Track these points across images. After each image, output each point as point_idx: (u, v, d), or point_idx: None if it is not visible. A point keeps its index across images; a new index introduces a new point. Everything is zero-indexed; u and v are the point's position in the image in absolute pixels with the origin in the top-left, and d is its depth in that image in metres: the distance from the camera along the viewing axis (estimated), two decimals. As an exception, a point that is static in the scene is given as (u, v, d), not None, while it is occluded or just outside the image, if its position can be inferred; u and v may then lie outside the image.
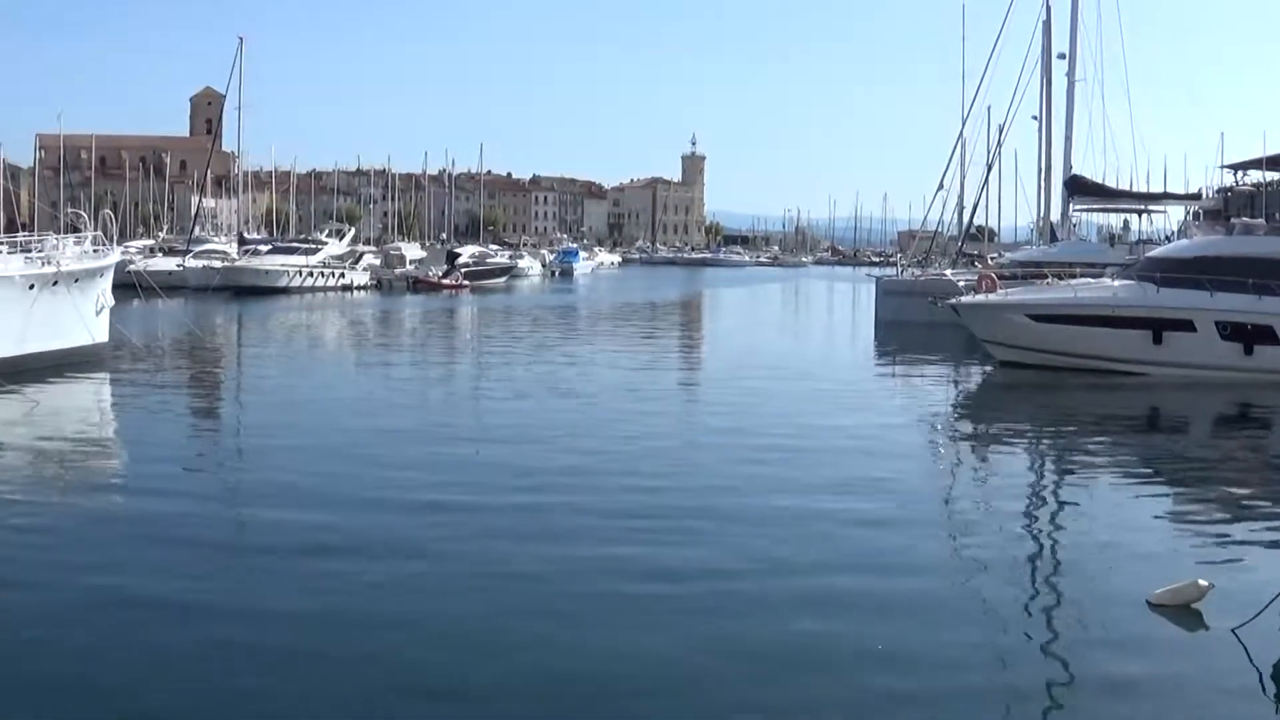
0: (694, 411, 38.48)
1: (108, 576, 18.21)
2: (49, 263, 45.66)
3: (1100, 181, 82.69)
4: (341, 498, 23.82)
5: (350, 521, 21.64)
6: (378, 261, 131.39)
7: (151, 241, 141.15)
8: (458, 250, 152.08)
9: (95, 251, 50.43)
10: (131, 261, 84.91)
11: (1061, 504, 25.56)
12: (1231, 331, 44.53)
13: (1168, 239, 78.56)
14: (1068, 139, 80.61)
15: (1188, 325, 44.91)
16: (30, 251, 47.24)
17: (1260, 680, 14.42)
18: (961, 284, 58.27)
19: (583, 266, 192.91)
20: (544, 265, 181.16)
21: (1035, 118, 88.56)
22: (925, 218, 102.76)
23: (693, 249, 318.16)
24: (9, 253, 46.36)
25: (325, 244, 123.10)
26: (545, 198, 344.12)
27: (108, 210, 69.32)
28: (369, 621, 16.21)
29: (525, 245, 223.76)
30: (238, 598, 17.19)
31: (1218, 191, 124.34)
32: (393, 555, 19.40)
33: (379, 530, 21.04)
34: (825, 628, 16.06)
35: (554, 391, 40.77)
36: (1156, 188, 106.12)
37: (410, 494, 24.03)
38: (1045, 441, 33.21)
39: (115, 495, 24.86)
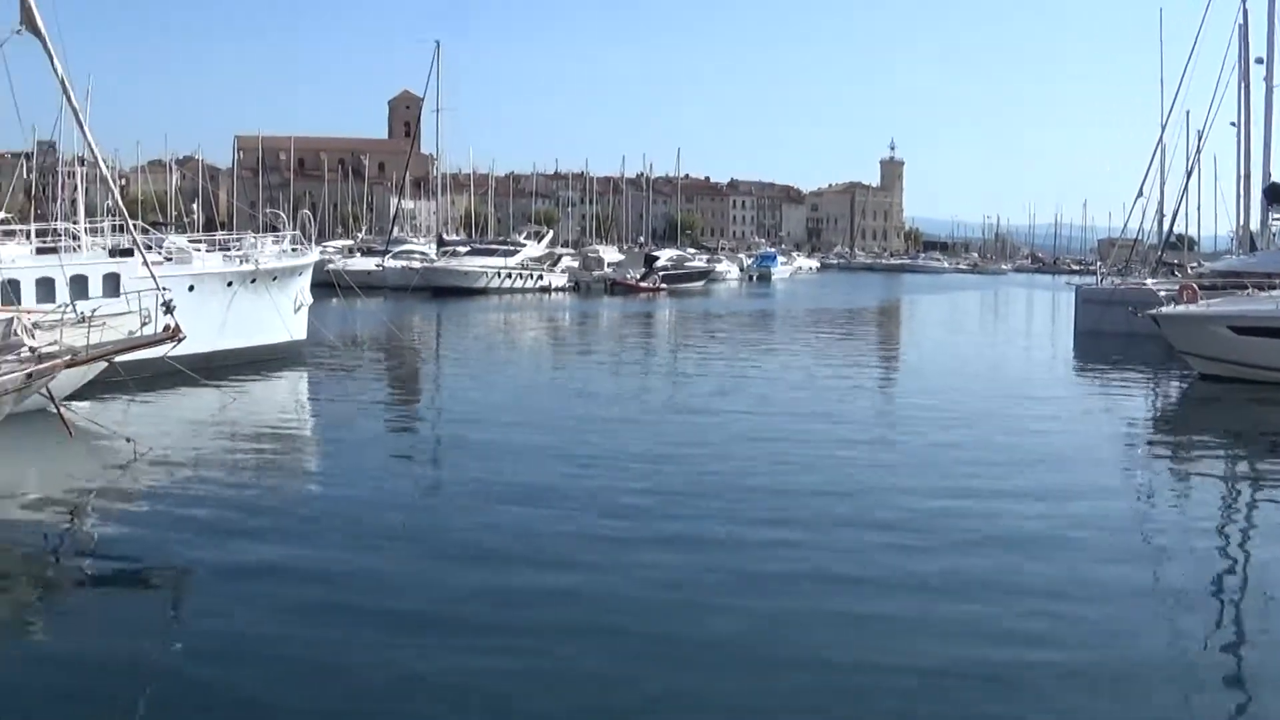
0: (890, 420, 37.84)
1: (301, 566, 18.70)
2: (247, 261, 46.53)
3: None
4: (532, 496, 23.97)
5: (536, 520, 21.81)
6: (575, 264, 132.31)
7: (350, 242, 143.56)
8: (656, 253, 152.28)
9: (294, 251, 51.34)
10: (330, 261, 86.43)
11: (1255, 524, 24.69)
12: None
13: (1370, 249, 76.01)
14: (1266, 145, 78.13)
15: None
16: (229, 250, 48.19)
17: None
18: (1162, 294, 56.85)
19: (780, 271, 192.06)
20: (741, 269, 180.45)
21: (1234, 124, 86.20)
22: (1125, 225, 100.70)
23: (891, 255, 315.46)
24: (208, 251, 47.32)
25: (524, 246, 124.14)
26: (743, 202, 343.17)
27: (306, 210, 70.56)
28: (557, 617, 16.32)
29: (723, 249, 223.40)
30: (427, 588, 17.53)
31: None
32: (579, 554, 19.54)
33: (568, 529, 21.21)
34: (1009, 636, 15.77)
35: (752, 397, 40.49)
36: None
37: (604, 494, 24.15)
38: (1242, 459, 32.16)
39: (309, 488, 25.29)
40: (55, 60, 29.40)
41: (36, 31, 28.67)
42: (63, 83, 30.04)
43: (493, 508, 22.81)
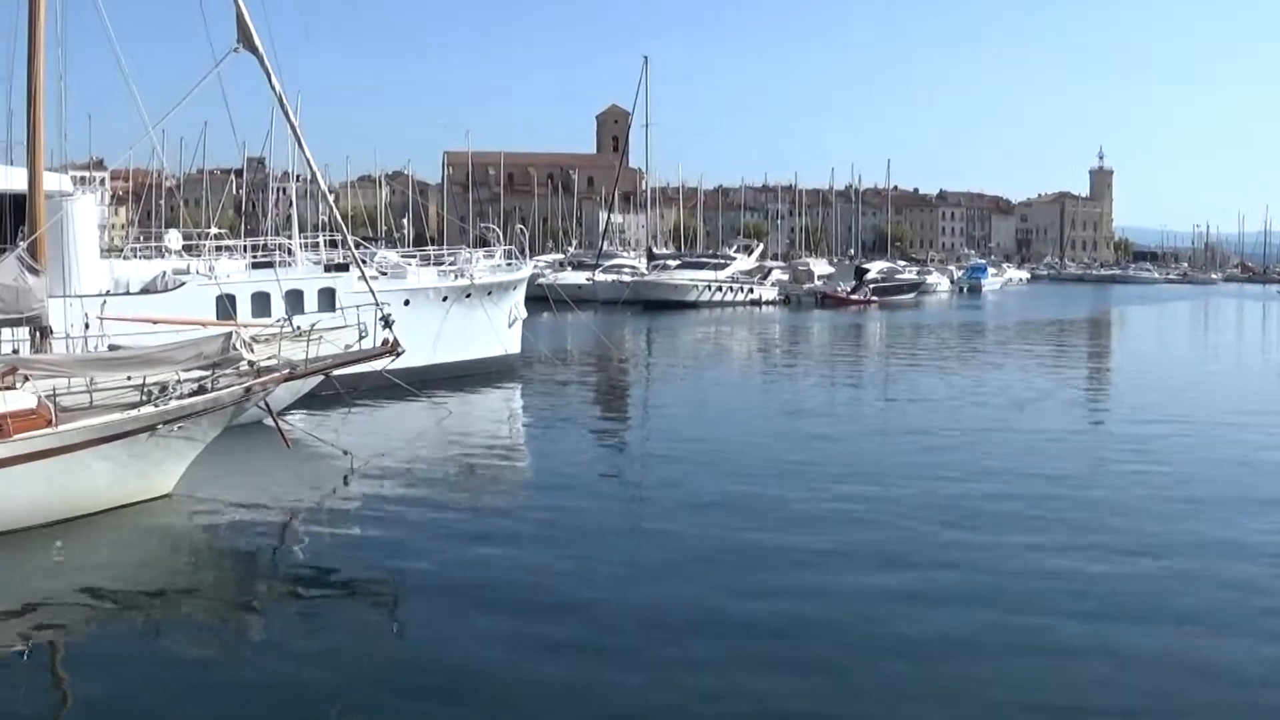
0: (1099, 440, 36.43)
1: (514, 589, 18.41)
2: (462, 275, 46.81)
3: None
4: (744, 515, 23.50)
5: (753, 539, 21.32)
6: (785, 277, 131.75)
7: (560, 256, 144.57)
8: (866, 266, 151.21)
9: (508, 265, 51.58)
10: (542, 275, 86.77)
11: None
12: None
13: None
14: None
15: None
16: (443, 265, 48.58)
17: None
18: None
19: (991, 283, 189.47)
20: (952, 281, 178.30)
21: None
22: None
23: (1101, 265, 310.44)
24: (420, 265, 47.73)
25: (734, 259, 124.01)
26: (952, 213, 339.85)
27: (520, 225, 70.94)
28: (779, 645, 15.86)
29: (932, 261, 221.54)
30: (640, 619, 17.10)
31: None
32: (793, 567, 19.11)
33: (787, 552, 20.63)
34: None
35: (967, 415, 39.37)
36: None
37: (812, 515, 23.64)
38: None
39: (522, 508, 25.03)
40: (273, 78, 29.42)
41: (254, 50, 28.70)
42: (281, 100, 30.03)
43: (708, 534, 22.25)
